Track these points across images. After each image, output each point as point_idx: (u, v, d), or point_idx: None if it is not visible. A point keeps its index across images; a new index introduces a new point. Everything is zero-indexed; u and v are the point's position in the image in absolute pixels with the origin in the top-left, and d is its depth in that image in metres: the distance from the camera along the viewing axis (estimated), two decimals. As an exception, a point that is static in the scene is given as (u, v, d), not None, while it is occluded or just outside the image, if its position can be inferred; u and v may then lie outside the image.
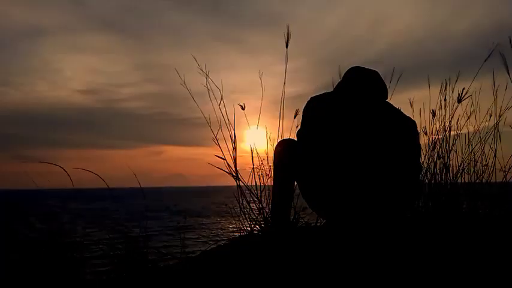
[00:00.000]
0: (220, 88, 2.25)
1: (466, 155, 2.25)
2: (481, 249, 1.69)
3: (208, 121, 2.25)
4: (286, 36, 2.15)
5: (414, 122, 1.89)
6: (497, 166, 2.18)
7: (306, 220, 2.25)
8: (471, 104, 2.24)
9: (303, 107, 1.89)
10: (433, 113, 2.33)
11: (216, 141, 2.25)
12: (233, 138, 2.27)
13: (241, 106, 2.27)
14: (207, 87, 2.24)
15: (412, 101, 2.45)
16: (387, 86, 1.92)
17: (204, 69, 2.24)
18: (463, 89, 2.16)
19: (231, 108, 2.30)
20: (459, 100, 2.20)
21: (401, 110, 1.97)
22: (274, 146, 2.01)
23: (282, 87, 2.30)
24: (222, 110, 2.27)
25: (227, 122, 2.26)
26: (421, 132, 2.34)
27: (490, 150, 2.19)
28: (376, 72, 1.87)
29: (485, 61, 2.10)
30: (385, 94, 1.88)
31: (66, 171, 1.94)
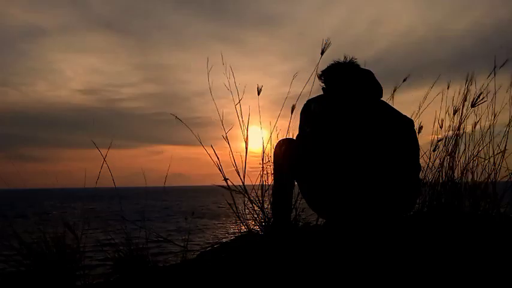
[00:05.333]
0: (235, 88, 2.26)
1: (472, 154, 2.24)
2: (481, 249, 1.69)
3: (221, 120, 2.27)
4: (323, 46, 2.18)
5: (412, 120, 1.89)
6: (503, 165, 2.18)
7: (305, 220, 2.25)
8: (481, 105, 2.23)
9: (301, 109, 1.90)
10: (454, 111, 2.31)
11: (226, 140, 2.26)
12: (226, 139, 2.28)
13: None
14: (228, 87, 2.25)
15: (412, 100, 2.45)
16: (392, 86, 1.92)
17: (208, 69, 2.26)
18: (480, 94, 2.14)
19: (231, 108, 2.30)
20: (473, 104, 2.17)
21: (400, 110, 1.97)
22: (274, 146, 2.01)
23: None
24: (225, 109, 2.29)
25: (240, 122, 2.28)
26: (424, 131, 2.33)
27: (498, 149, 2.19)
28: (369, 72, 1.87)
29: (502, 66, 2.10)
30: (380, 93, 1.88)
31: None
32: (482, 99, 2.14)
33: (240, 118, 2.29)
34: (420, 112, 2.39)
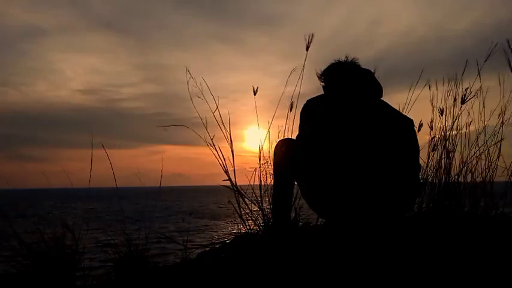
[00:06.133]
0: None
1: (470, 154, 2.24)
2: (481, 250, 1.69)
3: (205, 122, 2.25)
4: (307, 41, 2.16)
5: (411, 120, 1.89)
6: (502, 165, 2.17)
7: (305, 220, 2.25)
8: (475, 104, 2.23)
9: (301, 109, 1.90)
10: (441, 112, 2.30)
11: (212, 143, 2.24)
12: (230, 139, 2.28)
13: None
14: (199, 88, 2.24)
15: (411, 100, 2.45)
16: (392, 86, 1.92)
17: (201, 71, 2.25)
18: (467, 88, 2.14)
19: (232, 108, 2.31)
20: (463, 101, 2.17)
21: (400, 110, 1.97)
22: (274, 146, 2.01)
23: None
24: (222, 111, 2.28)
25: (225, 122, 2.27)
26: (425, 131, 2.33)
27: (496, 148, 2.18)
28: (370, 72, 1.87)
29: (485, 61, 2.09)
30: (380, 93, 1.88)
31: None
32: (470, 96, 2.15)
33: (221, 123, 2.27)
34: (408, 110, 2.38)
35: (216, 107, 2.23)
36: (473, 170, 2.23)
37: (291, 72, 2.25)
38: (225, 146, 2.29)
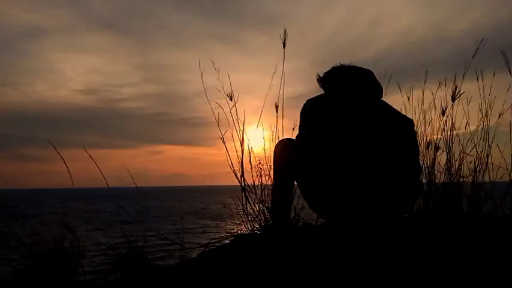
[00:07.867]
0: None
1: (469, 153, 2.24)
2: (481, 250, 1.69)
3: (217, 120, 2.27)
4: (283, 38, 2.15)
5: (411, 120, 1.90)
6: (502, 165, 2.17)
7: (305, 220, 2.25)
8: (475, 104, 2.24)
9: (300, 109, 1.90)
10: (443, 112, 2.31)
11: (223, 141, 2.26)
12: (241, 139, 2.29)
13: (229, 96, 2.28)
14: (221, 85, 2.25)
15: (411, 100, 2.45)
16: (384, 86, 1.93)
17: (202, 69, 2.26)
18: (456, 87, 2.18)
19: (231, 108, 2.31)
20: (453, 98, 2.21)
21: (400, 110, 1.97)
22: (274, 146, 2.01)
23: (282, 88, 2.30)
24: (225, 109, 2.29)
25: (236, 122, 2.28)
26: (425, 131, 2.34)
27: (496, 148, 2.19)
28: (370, 72, 1.87)
29: (473, 57, 2.13)
30: (380, 93, 1.88)
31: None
32: (459, 93, 2.18)
33: (236, 120, 2.29)
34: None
35: (233, 105, 2.27)
36: (475, 169, 2.23)
37: (273, 75, 2.26)
38: (229, 146, 2.30)
